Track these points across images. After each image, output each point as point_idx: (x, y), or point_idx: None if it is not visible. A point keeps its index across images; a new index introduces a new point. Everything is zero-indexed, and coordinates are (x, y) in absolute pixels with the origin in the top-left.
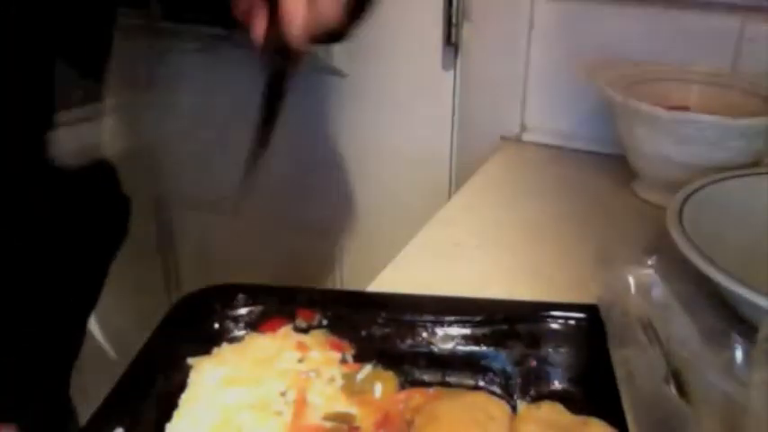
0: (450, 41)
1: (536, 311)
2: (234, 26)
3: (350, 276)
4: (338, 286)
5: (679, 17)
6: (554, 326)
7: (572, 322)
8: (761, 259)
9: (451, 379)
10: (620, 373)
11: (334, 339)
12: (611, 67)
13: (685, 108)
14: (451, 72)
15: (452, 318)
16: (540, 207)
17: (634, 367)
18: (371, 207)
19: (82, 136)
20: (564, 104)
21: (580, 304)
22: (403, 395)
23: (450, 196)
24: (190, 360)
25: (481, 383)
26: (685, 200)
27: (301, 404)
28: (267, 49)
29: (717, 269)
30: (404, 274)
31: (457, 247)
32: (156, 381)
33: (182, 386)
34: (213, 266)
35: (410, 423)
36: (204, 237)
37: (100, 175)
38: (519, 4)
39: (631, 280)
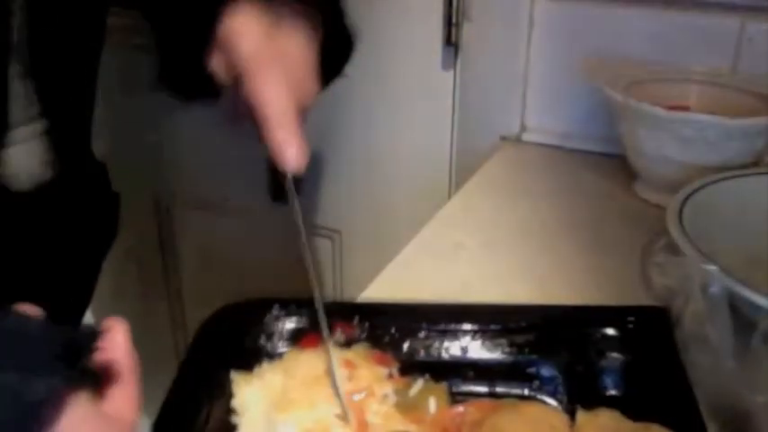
0: (451, 41)
1: (582, 316)
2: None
3: (350, 276)
4: (338, 287)
5: (679, 17)
6: (601, 331)
7: (619, 327)
8: (761, 259)
9: (500, 389)
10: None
11: (378, 353)
12: (611, 67)
13: (685, 108)
14: (451, 72)
15: (496, 326)
16: (539, 207)
17: (697, 363)
18: (371, 207)
19: (33, 153)
20: (564, 104)
21: (628, 307)
22: (458, 409)
23: (450, 196)
24: (233, 375)
25: (530, 392)
26: (685, 200)
27: (363, 426)
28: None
29: (717, 269)
30: (404, 274)
31: (457, 247)
32: (201, 408)
33: (225, 409)
34: (214, 266)
35: None
36: (205, 237)
37: (90, 173)
38: (519, 3)
39: (695, 275)
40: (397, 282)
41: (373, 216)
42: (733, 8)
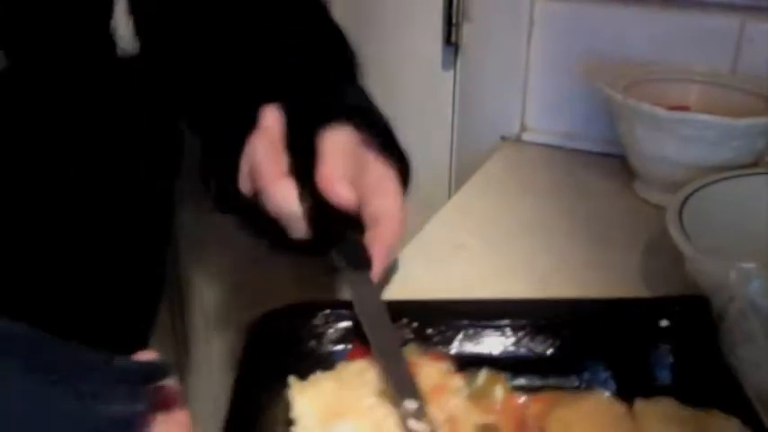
0: (451, 41)
1: (629, 308)
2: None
3: None
4: (338, 287)
5: (679, 17)
6: (648, 322)
7: (668, 317)
8: (761, 259)
9: (551, 382)
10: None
11: (433, 352)
12: (611, 67)
13: (685, 108)
14: (451, 72)
15: (545, 320)
16: (539, 207)
17: (743, 358)
18: None
19: None
20: (564, 104)
21: (674, 297)
22: (520, 400)
23: (450, 196)
24: (291, 380)
25: (581, 384)
26: (685, 200)
27: (454, 422)
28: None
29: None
30: (404, 274)
31: (456, 247)
32: (263, 417)
33: (283, 415)
34: (214, 267)
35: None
36: (204, 237)
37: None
38: (519, 3)
39: (733, 272)
40: (396, 282)
41: None
42: (733, 8)
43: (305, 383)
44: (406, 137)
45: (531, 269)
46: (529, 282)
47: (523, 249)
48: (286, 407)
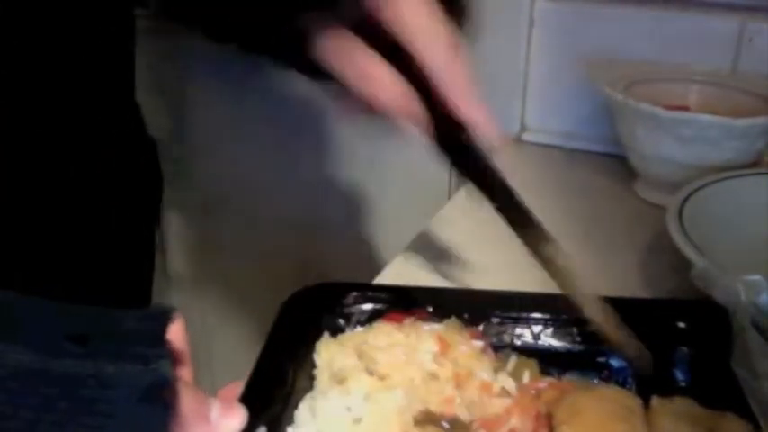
0: None
1: (653, 308)
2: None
3: (349, 277)
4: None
5: (679, 17)
6: (671, 323)
7: (690, 319)
8: (761, 259)
9: (570, 376)
10: (740, 373)
11: (473, 329)
12: (611, 67)
13: (685, 108)
14: None
15: (567, 315)
16: (539, 207)
17: (752, 368)
18: (371, 207)
19: None
20: (564, 104)
21: (699, 301)
22: (538, 385)
23: (450, 196)
24: (325, 337)
25: (600, 381)
26: (685, 200)
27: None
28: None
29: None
30: (403, 274)
31: (456, 247)
32: (287, 373)
33: (309, 375)
34: (213, 267)
35: (549, 417)
36: (204, 237)
37: (125, 115)
38: (519, 3)
39: (740, 285)
40: (396, 282)
41: (373, 216)
42: (733, 8)
43: (334, 339)
44: (406, 137)
45: (530, 269)
46: (528, 282)
47: (523, 249)
48: (311, 368)
